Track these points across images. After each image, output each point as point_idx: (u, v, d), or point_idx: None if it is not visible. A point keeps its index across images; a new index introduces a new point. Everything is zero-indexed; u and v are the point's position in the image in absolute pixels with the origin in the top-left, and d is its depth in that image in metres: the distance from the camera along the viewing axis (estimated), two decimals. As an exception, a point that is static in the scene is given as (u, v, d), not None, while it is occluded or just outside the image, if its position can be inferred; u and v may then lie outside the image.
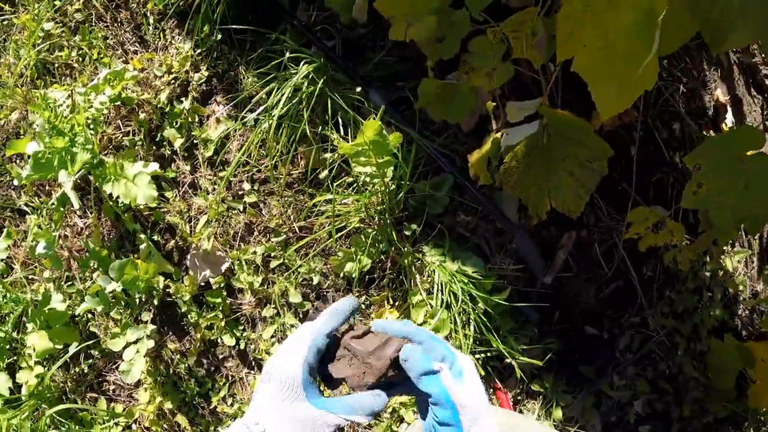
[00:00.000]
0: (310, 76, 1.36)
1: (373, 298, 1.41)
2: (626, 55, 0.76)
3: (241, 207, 1.46)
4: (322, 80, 1.35)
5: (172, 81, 1.56)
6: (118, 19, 1.64)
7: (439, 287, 1.30)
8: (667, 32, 0.69)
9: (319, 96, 1.38)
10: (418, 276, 1.38)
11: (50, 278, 1.56)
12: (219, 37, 1.53)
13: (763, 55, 1.73)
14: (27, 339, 1.45)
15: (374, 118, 1.22)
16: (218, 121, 1.50)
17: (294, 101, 1.35)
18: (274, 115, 1.36)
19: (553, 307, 1.51)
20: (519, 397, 1.50)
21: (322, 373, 0.67)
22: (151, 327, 1.43)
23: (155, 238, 1.53)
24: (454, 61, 1.15)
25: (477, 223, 1.43)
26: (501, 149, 1.10)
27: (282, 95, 1.36)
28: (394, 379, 0.64)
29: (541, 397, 1.50)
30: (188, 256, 1.48)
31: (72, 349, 1.48)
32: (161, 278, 1.47)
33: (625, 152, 1.49)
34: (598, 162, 1.09)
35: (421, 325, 1.29)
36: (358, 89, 1.39)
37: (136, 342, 1.41)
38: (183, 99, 1.55)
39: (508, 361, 1.42)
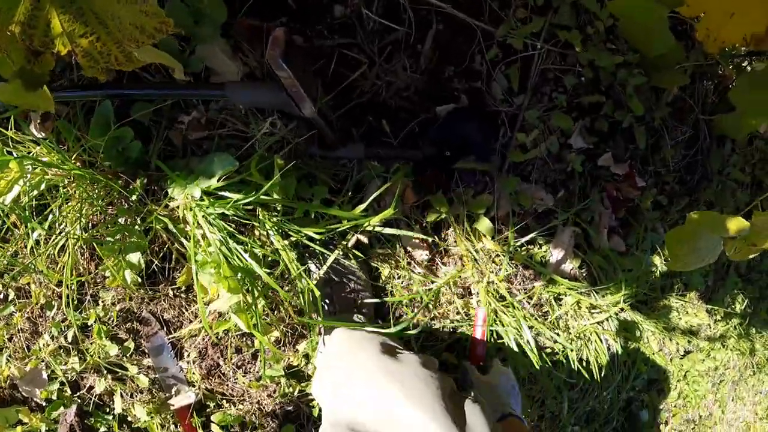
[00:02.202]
0: None
1: (180, 279, 1.08)
2: None
3: (13, 308, 1.20)
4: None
5: None
6: None
7: (195, 233, 0.95)
8: None
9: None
10: (187, 228, 1.03)
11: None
12: None
13: None
14: None
15: None
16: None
17: None
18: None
19: (378, 118, 1.09)
20: (438, 246, 1.10)
21: None
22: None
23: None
24: None
25: (206, 112, 1.05)
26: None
27: None
28: None
29: (449, 226, 1.09)
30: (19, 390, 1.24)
31: None
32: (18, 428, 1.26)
33: None
34: None
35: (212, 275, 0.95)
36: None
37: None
38: None
39: (367, 231, 1.03)
